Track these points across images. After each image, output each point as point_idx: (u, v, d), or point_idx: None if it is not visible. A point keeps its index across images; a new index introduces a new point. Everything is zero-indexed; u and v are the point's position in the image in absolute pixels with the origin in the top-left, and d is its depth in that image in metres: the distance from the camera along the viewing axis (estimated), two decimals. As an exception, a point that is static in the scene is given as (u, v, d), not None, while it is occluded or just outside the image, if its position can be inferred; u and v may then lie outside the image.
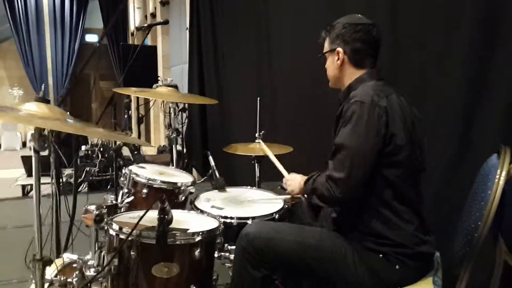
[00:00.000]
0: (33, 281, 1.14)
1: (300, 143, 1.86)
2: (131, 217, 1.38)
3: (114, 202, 1.60)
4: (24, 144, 11.74)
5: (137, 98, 6.63)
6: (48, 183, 4.85)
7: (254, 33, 3.65)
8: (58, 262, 1.67)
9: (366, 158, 1.39)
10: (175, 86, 2.13)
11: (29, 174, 5.15)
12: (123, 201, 1.70)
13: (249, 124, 2.53)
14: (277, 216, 1.76)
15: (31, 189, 5.11)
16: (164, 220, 1.15)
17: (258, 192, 2.00)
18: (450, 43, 1.93)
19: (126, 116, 5.91)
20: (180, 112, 4.69)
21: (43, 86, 1.26)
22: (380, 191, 1.44)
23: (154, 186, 1.68)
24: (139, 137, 7.57)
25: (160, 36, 8.39)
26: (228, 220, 1.66)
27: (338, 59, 1.56)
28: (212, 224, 1.45)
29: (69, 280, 1.20)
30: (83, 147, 5.14)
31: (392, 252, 1.45)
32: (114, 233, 1.27)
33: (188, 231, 1.29)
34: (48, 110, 1.09)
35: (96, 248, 1.39)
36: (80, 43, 14.24)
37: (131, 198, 1.69)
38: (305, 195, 1.65)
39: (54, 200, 1.86)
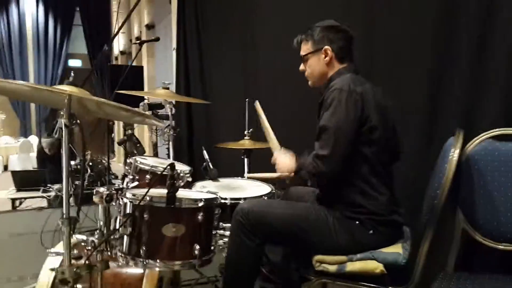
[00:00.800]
0: (62, 239, 1.32)
1: (286, 140, 2.09)
2: (139, 192, 1.58)
3: (120, 186, 1.81)
4: (5, 168, 11.66)
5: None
6: (38, 197, 5.00)
7: (240, 47, 3.95)
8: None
9: (346, 136, 1.63)
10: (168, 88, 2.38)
11: (18, 189, 5.25)
12: (128, 186, 1.89)
13: (235, 127, 2.77)
14: (265, 198, 1.99)
15: (20, 203, 5.21)
16: (174, 184, 1.36)
17: (248, 181, 2.22)
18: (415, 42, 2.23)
19: (107, 138, 6.08)
20: (166, 130, 4.92)
21: (72, 73, 1.44)
22: (358, 166, 1.69)
23: (156, 172, 1.88)
24: (125, 157, 7.72)
25: (146, 58, 8.64)
26: (223, 201, 1.88)
27: (326, 56, 1.81)
28: (211, 196, 1.66)
29: (90, 239, 1.38)
30: (72, 162, 5.26)
31: (366, 219, 1.68)
32: (128, 201, 1.47)
33: (192, 198, 1.51)
34: (77, 90, 1.31)
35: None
36: (64, 67, 14.39)
37: (136, 183, 1.89)
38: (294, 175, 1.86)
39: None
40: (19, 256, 3.37)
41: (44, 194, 5.05)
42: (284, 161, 1.86)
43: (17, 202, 5.24)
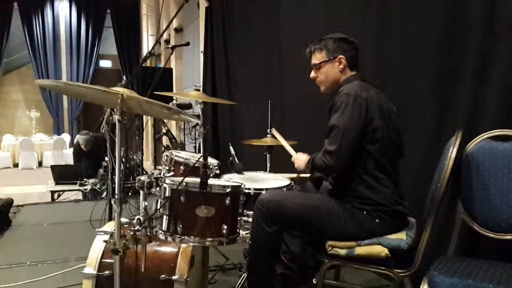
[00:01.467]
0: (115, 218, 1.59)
1: (303, 138, 2.34)
2: (176, 179, 1.85)
3: (158, 175, 2.08)
4: (40, 164, 12.25)
5: (154, 119, 7.17)
6: (75, 190, 5.39)
7: (265, 50, 4.21)
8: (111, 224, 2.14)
9: (352, 134, 1.85)
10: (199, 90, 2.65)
11: (57, 182, 5.64)
12: (164, 175, 2.16)
13: (258, 126, 3.03)
14: (285, 189, 2.23)
15: (59, 196, 5.60)
16: (206, 172, 1.62)
17: (270, 174, 2.47)
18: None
19: (137, 137, 6.41)
20: (193, 129, 5.22)
21: (124, 77, 1.70)
22: (364, 162, 1.90)
23: (189, 164, 2.15)
24: (155, 156, 8.09)
25: (174, 60, 8.99)
26: (247, 191, 2.13)
27: (340, 64, 2.04)
28: (237, 184, 1.92)
29: (136, 217, 1.65)
30: (107, 158, 5.60)
31: (373, 210, 1.90)
32: (167, 186, 1.74)
33: (221, 184, 1.77)
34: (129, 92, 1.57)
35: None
36: (95, 68, 14.93)
37: (171, 173, 2.16)
38: (308, 172, 2.11)
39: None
40: (61, 242, 3.71)
41: (81, 188, 5.42)
42: (300, 158, 2.11)
43: (56, 195, 5.64)
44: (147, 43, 12.81)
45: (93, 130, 5.48)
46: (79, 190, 5.45)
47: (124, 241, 1.57)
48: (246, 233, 2.14)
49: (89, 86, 1.50)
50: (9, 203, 4.10)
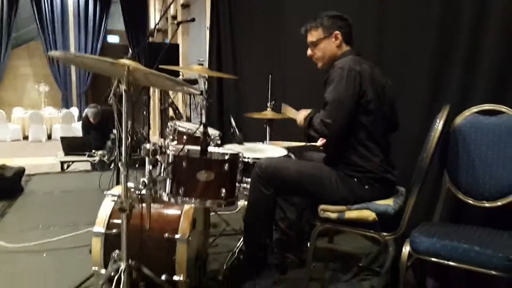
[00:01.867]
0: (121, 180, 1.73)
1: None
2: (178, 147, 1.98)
3: (162, 144, 2.21)
4: (49, 137, 12.48)
5: (161, 93, 7.28)
6: (84, 161, 5.57)
7: (269, 27, 4.31)
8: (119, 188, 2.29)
9: (346, 107, 1.97)
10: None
11: (67, 153, 5.82)
12: (168, 144, 2.30)
13: (260, 99, 3.15)
14: (281, 157, 2.36)
15: (68, 166, 5.78)
16: (206, 139, 1.75)
17: (268, 145, 2.60)
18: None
19: (144, 112, 6.54)
20: (199, 104, 5.35)
21: (129, 50, 1.80)
22: (357, 132, 2.03)
23: (192, 134, 2.28)
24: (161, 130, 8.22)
25: (181, 36, 9.04)
26: (246, 160, 2.26)
27: (336, 40, 2.14)
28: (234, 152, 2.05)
29: (142, 179, 1.79)
30: (115, 131, 5.76)
31: (363, 177, 2.03)
32: (170, 153, 1.87)
33: (220, 152, 1.90)
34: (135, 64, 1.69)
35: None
36: (102, 43, 15.01)
37: (175, 142, 2.29)
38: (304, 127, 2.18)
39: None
40: (71, 208, 3.90)
41: (90, 159, 5.60)
42: (301, 112, 2.21)
43: (65, 166, 5.82)
44: (154, 19, 12.82)
45: (101, 102, 5.61)
46: (87, 161, 5.62)
47: (130, 200, 1.72)
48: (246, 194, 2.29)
49: (98, 57, 1.62)
50: (21, 171, 4.28)
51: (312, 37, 2.17)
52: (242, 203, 3.58)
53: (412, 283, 2.12)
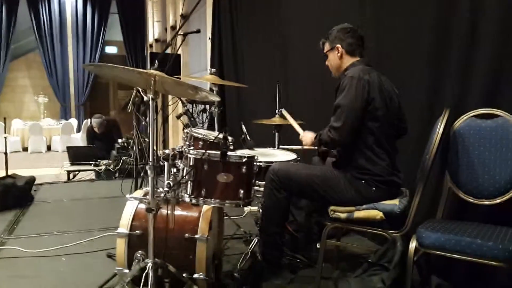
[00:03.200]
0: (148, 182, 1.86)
1: (309, 117, 2.60)
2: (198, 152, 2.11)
3: (180, 150, 2.34)
4: (49, 148, 12.55)
5: (162, 99, 7.40)
6: (90, 170, 5.69)
7: (270, 35, 4.49)
8: (139, 192, 2.41)
9: (355, 113, 2.11)
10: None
11: (72, 163, 5.93)
12: (185, 150, 2.43)
13: (266, 106, 3.29)
14: (292, 162, 2.50)
15: (74, 176, 5.88)
16: (226, 143, 1.89)
17: (279, 150, 2.74)
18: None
19: (143, 122, 6.66)
20: (201, 113, 5.49)
21: (156, 61, 1.93)
22: (364, 137, 2.16)
23: (207, 139, 2.41)
24: (164, 139, 8.33)
25: (181, 46, 9.19)
26: (259, 163, 2.39)
27: (338, 52, 2.30)
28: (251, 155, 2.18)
29: (166, 181, 1.92)
30: (119, 140, 5.89)
31: (370, 179, 2.16)
32: (191, 156, 2.00)
33: (238, 155, 2.04)
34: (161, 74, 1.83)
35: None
36: (101, 54, 15.13)
37: (192, 148, 2.42)
38: (315, 146, 2.36)
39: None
40: (82, 215, 4.01)
41: (95, 168, 5.71)
42: (307, 135, 2.38)
43: (71, 175, 5.93)
44: (152, 29, 12.99)
45: (119, 111, 5.76)
46: (93, 170, 5.73)
47: (157, 201, 1.84)
48: (255, 208, 2.42)
49: (128, 68, 1.76)
50: (32, 180, 4.38)
51: (324, 49, 2.34)
52: (248, 208, 3.72)
53: (418, 279, 2.25)
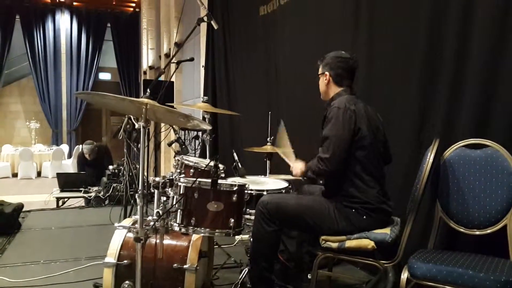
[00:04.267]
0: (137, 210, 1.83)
1: (300, 145, 2.61)
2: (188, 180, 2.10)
3: (171, 177, 2.33)
4: (39, 174, 12.42)
5: (155, 125, 7.42)
6: (79, 197, 5.63)
7: (263, 64, 4.54)
8: (128, 220, 2.38)
9: (342, 143, 2.12)
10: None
11: (62, 190, 5.86)
12: (176, 177, 2.41)
13: (257, 135, 3.30)
14: (283, 191, 2.49)
15: (63, 203, 5.81)
16: (217, 171, 1.88)
17: (269, 178, 2.73)
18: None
19: (135, 149, 6.66)
20: (193, 140, 5.49)
21: (148, 90, 1.93)
22: (353, 166, 2.17)
23: (198, 167, 2.40)
24: (155, 165, 8.31)
25: (174, 74, 9.28)
26: (249, 192, 2.38)
27: (326, 79, 2.33)
28: (242, 183, 2.17)
29: (156, 210, 1.90)
30: (110, 167, 5.84)
31: (360, 208, 2.15)
32: (182, 184, 1.99)
33: (229, 183, 2.03)
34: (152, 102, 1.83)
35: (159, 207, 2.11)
36: (94, 80, 15.20)
37: (182, 175, 2.41)
38: (305, 177, 2.35)
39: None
40: (70, 244, 3.93)
41: (85, 195, 5.65)
42: (298, 166, 2.36)
43: (60, 202, 5.85)
44: (146, 57, 13.11)
45: (111, 137, 5.75)
46: (83, 197, 5.66)
47: (146, 230, 1.82)
48: (246, 237, 2.39)
49: (120, 97, 1.76)
50: (20, 207, 4.31)
51: (318, 71, 2.38)
52: (239, 237, 3.67)
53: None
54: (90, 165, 6.12)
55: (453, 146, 2.29)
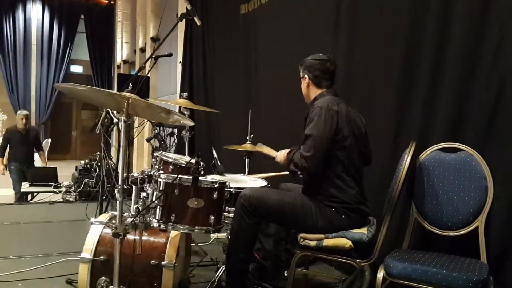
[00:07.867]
0: (117, 205, 1.81)
1: (280, 144, 2.62)
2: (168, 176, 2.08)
3: (150, 173, 2.30)
4: (6, 167, 11.96)
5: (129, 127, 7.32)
6: (50, 192, 5.48)
7: (242, 61, 4.54)
8: (104, 216, 2.34)
9: (324, 142, 2.15)
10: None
11: (31, 184, 5.69)
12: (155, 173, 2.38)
13: (236, 132, 3.30)
14: (263, 188, 2.50)
15: (33, 197, 5.65)
16: (198, 168, 1.87)
17: (248, 176, 2.73)
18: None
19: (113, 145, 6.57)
20: (168, 136, 5.44)
21: (130, 84, 1.91)
22: (333, 166, 2.20)
23: (177, 164, 2.38)
24: (128, 162, 8.16)
25: (151, 69, 9.15)
26: (229, 190, 2.38)
27: (306, 82, 2.36)
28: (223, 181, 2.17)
29: (135, 206, 1.87)
30: (82, 162, 5.72)
31: (340, 207, 2.19)
32: (162, 180, 1.97)
33: (209, 180, 2.02)
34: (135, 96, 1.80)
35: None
36: (65, 72, 14.82)
37: (161, 171, 2.38)
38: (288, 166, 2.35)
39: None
40: (40, 239, 3.83)
41: (56, 190, 5.51)
42: (282, 153, 2.38)
43: (30, 196, 5.69)
44: (121, 50, 12.88)
45: (88, 131, 5.63)
46: (54, 192, 5.52)
47: (125, 226, 1.79)
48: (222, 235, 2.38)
49: (102, 90, 1.73)
50: (-14, 201, 4.18)
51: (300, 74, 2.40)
52: (215, 235, 3.66)
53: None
54: (20, 139, 6.12)
55: (428, 149, 2.35)
